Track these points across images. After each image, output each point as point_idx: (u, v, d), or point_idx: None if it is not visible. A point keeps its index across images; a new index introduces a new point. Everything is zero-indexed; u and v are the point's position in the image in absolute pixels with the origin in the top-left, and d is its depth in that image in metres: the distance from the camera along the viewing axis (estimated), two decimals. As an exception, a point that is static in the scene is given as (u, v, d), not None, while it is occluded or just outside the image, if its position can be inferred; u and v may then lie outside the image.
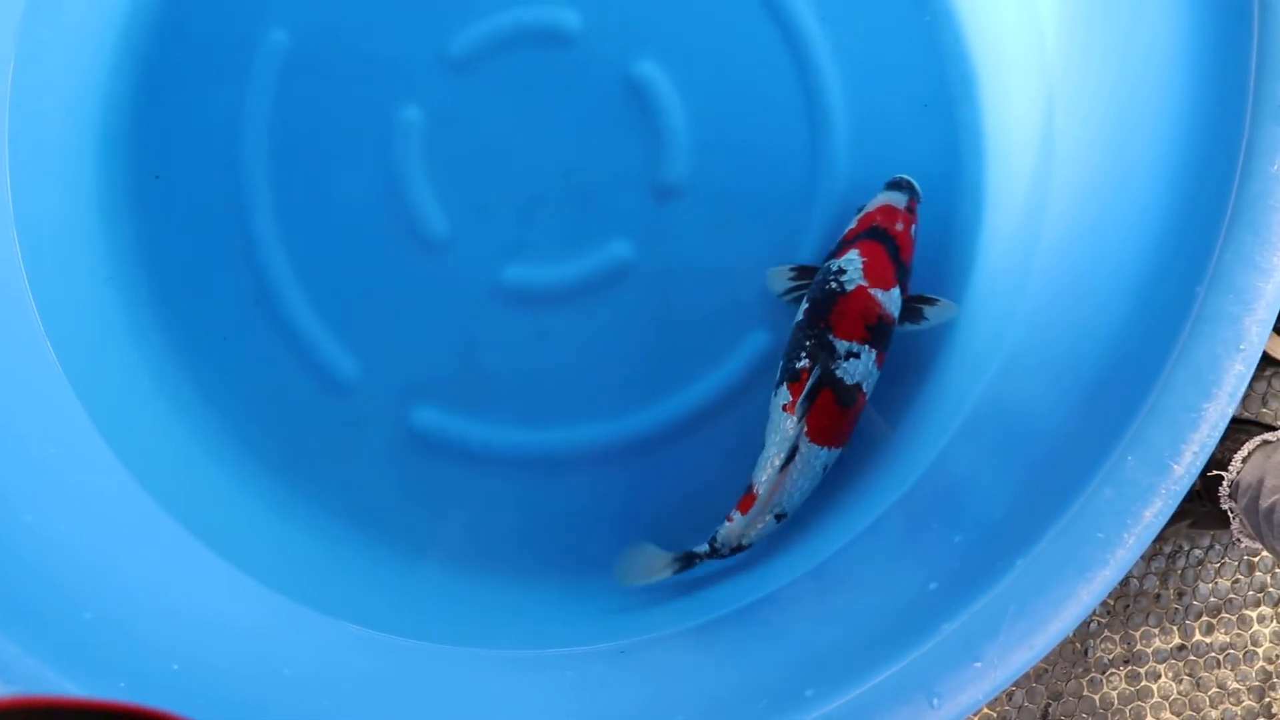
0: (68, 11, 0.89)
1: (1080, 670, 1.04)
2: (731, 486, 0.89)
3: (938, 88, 0.92)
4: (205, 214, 0.91)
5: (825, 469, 0.82)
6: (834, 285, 0.83)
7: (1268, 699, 1.05)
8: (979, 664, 0.60)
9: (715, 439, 0.91)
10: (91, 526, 0.76)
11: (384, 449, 0.91)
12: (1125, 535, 0.60)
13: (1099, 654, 1.04)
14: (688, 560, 0.82)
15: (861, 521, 0.80)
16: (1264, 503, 0.87)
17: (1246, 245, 0.62)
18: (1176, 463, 0.61)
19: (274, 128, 0.92)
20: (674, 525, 0.89)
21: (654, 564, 0.83)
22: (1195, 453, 0.61)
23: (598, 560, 0.89)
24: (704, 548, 0.82)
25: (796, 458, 0.80)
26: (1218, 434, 0.61)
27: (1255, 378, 1.06)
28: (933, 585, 0.65)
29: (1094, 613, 1.04)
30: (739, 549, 0.82)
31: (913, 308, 0.86)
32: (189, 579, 0.79)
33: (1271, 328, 0.63)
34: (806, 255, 0.91)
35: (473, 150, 0.93)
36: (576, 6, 0.93)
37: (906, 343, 0.87)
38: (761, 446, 0.82)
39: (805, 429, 0.80)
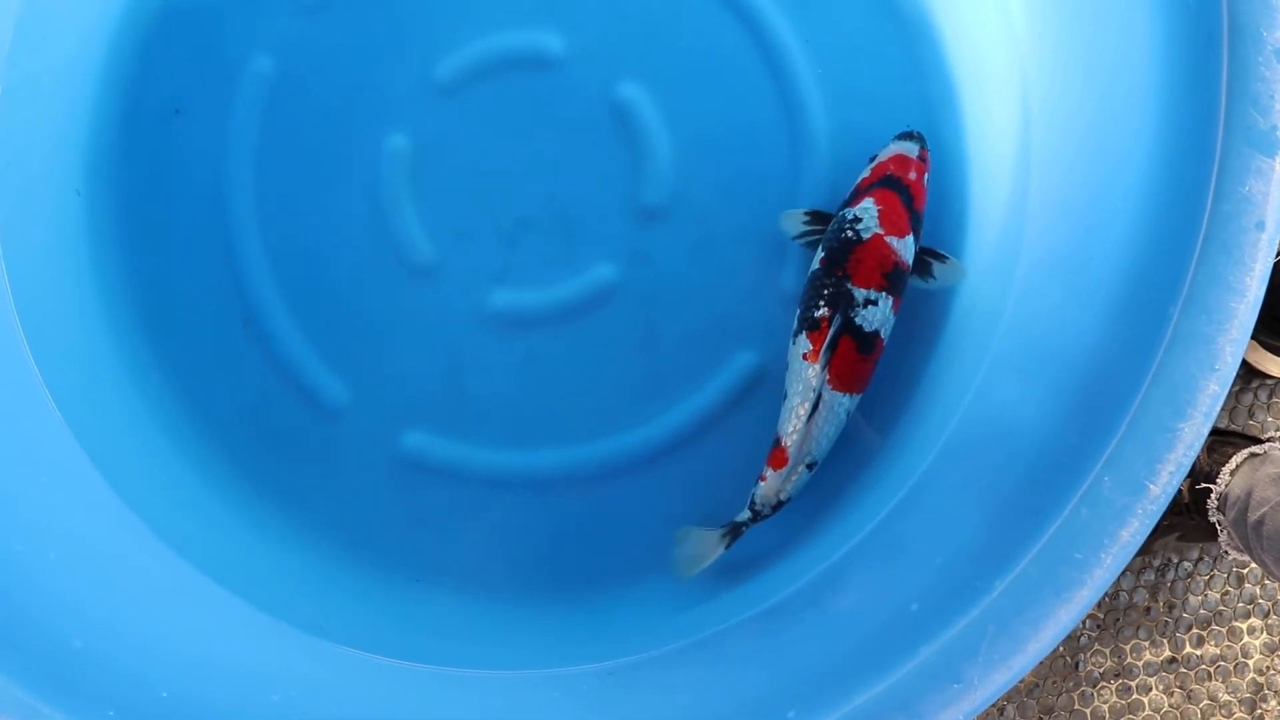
0: (54, 44, 0.90)
1: (1071, 684, 1.04)
2: (719, 503, 0.89)
3: (919, 108, 0.92)
4: (193, 242, 0.92)
5: (848, 415, 0.83)
6: (850, 234, 0.84)
7: (1259, 710, 1.05)
8: (959, 685, 0.60)
9: (703, 458, 0.92)
10: (82, 554, 0.76)
11: (373, 472, 0.91)
12: (1103, 555, 0.61)
13: (1089, 668, 1.04)
14: (734, 531, 0.83)
15: (844, 544, 0.80)
16: (1252, 516, 0.87)
17: (1219, 265, 0.63)
18: (1153, 483, 0.61)
19: (260, 154, 0.93)
20: (663, 544, 0.90)
21: (704, 547, 0.83)
22: (1171, 472, 0.61)
23: (587, 580, 0.90)
24: (745, 514, 0.83)
25: (821, 405, 0.81)
26: (1193, 454, 0.62)
27: (1242, 390, 1.07)
28: (914, 606, 0.66)
29: (1084, 626, 1.05)
30: (779, 505, 0.83)
31: (923, 261, 0.87)
32: (179, 604, 0.79)
33: (1245, 347, 0.63)
34: (790, 274, 0.92)
35: (458, 175, 0.93)
36: (560, 31, 0.94)
37: (894, 357, 0.87)
38: (783, 397, 0.83)
39: (827, 377, 0.81)
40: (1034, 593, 0.61)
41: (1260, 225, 0.63)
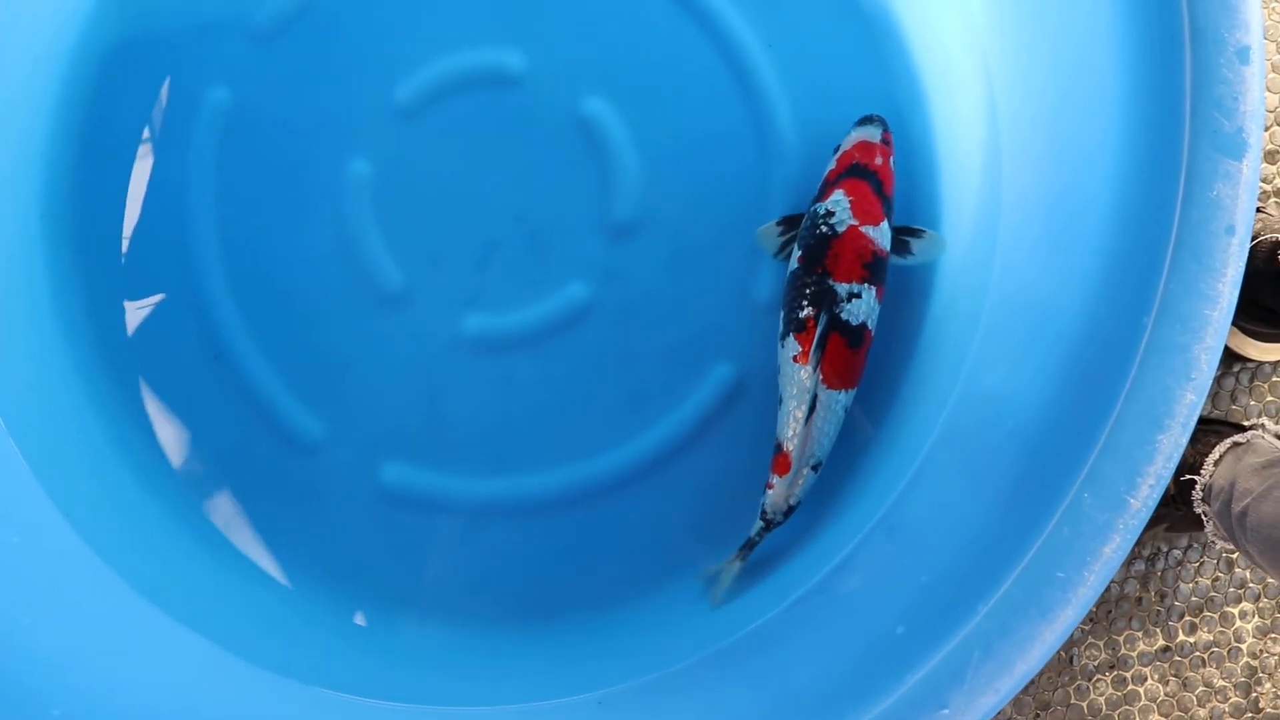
0: (1, 81, 0.88)
1: (1066, 679, 1.04)
2: (706, 517, 0.89)
3: (886, 106, 0.91)
4: (156, 279, 0.91)
5: (846, 410, 0.83)
6: (825, 229, 0.84)
7: (1254, 694, 1.05)
8: (946, 710, 0.60)
9: (687, 473, 0.91)
10: (56, 613, 0.75)
11: (353, 506, 0.90)
12: (1085, 573, 0.60)
13: (1084, 661, 1.04)
14: (748, 544, 0.83)
15: (827, 563, 0.79)
16: (1236, 507, 0.86)
17: (1191, 272, 0.62)
18: (1133, 497, 0.61)
19: (220, 187, 0.91)
20: (649, 564, 0.89)
21: (725, 575, 0.83)
22: (1151, 485, 0.61)
23: (576, 606, 0.89)
24: (758, 524, 0.83)
25: (818, 406, 0.81)
26: (1173, 465, 0.61)
27: (1223, 374, 1.06)
28: (900, 630, 0.65)
29: (1076, 619, 1.04)
30: (790, 510, 0.82)
31: (900, 240, 0.86)
32: (158, 657, 0.78)
33: (1220, 353, 0.62)
34: (765, 282, 0.91)
35: (425, 199, 0.92)
36: (520, 47, 0.93)
37: (875, 372, 0.86)
38: (779, 402, 0.83)
39: (820, 376, 0.80)
40: (1018, 614, 0.61)
41: (1230, 230, 0.62)
